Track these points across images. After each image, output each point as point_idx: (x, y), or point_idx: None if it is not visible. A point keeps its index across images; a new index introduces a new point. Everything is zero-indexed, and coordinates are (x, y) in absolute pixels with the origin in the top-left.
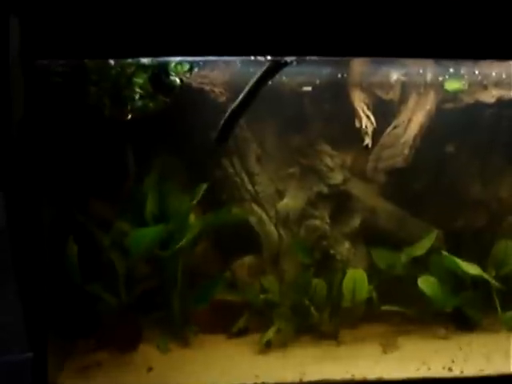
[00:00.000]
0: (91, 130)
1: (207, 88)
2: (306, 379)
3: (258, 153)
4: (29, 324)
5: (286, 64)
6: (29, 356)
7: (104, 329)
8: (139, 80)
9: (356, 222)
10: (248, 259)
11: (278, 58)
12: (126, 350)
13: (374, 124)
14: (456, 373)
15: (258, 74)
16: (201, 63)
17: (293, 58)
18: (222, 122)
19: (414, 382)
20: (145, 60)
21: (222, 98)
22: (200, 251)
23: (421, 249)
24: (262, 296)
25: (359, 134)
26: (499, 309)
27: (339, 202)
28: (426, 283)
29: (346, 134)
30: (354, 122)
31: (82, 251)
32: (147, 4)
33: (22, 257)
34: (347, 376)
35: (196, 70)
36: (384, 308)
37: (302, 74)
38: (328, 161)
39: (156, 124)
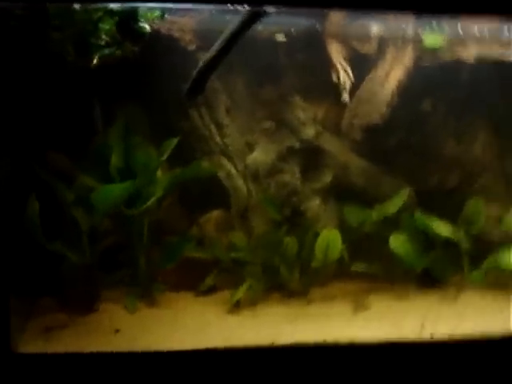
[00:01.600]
0: (52, 78)
1: (176, 35)
2: (278, 341)
3: (227, 104)
4: None
5: (265, 14)
6: None
7: (66, 288)
8: (106, 26)
9: (327, 177)
10: (215, 214)
11: (257, 8)
12: (86, 310)
13: (352, 79)
14: (428, 332)
15: (235, 23)
16: (172, 10)
17: (272, 8)
18: (194, 73)
19: (385, 345)
20: (113, 5)
21: (192, 46)
22: (166, 206)
23: (392, 207)
24: (232, 254)
25: (333, 87)
26: (467, 268)
27: (310, 157)
28: (397, 241)
29: (320, 87)
30: (328, 74)
31: (44, 207)
32: None
33: None
34: (320, 338)
35: (166, 16)
36: (354, 268)
37: (277, 24)
38: (300, 114)
39: (122, 72)
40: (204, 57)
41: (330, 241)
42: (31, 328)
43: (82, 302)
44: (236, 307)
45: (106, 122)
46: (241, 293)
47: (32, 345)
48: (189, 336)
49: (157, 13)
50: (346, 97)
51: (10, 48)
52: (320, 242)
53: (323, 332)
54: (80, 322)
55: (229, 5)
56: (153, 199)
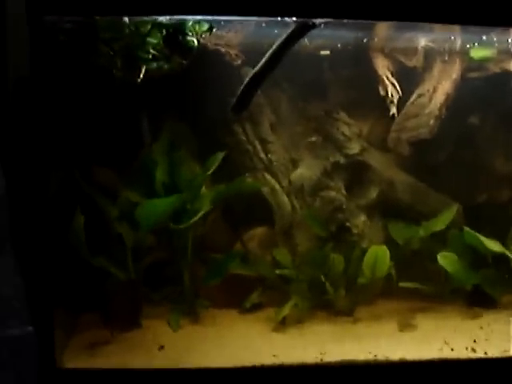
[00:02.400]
0: (99, 92)
1: (223, 50)
2: (326, 359)
3: (272, 119)
4: (31, 298)
5: (313, 26)
6: (29, 330)
7: (110, 303)
8: (154, 40)
9: (373, 193)
10: (259, 230)
11: (305, 20)
12: (129, 326)
13: (400, 92)
14: (480, 354)
15: (282, 37)
16: (222, 23)
17: (321, 20)
18: (241, 88)
19: (437, 363)
20: (162, 18)
21: (238, 61)
22: (210, 221)
23: (441, 223)
24: (277, 271)
25: (379, 101)
26: None
27: (356, 173)
28: (446, 259)
29: (366, 102)
30: (374, 89)
31: (89, 222)
32: None
33: (23, 226)
34: (369, 356)
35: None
36: (401, 285)
37: (322, 37)
38: (345, 129)
39: (168, 86)
40: (251, 71)
41: (378, 257)
42: (75, 343)
43: (125, 317)
44: (281, 325)
45: (152, 137)
46: (286, 310)
47: (76, 360)
48: (233, 353)
49: (205, 26)
50: (394, 111)
51: (59, 62)
52: (368, 259)
53: (371, 351)
54: (123, 337)
55: (278, 17)
56: (200, 214)
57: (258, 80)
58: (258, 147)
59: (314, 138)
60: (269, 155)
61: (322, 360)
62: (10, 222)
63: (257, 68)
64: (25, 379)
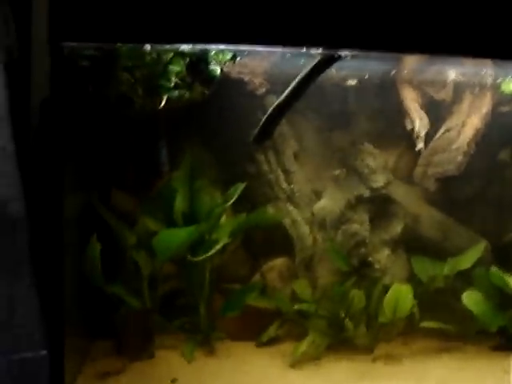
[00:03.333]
0: (120, 118)
1: (246, 78)
2: None
3: (295, 149)
4: (45, 321)
5: (339, 58)
6: (43, 354)
7: (123, 332)
8: (176, 68)
9: (397, 228)
10: (279, 262)
11: (331, 51)
12: (142, 355)
13: (428, 126)
14: None
15: (307, 68)
16: (245, 52)
17: (347, 53)
18: (264, 118)
19: None
20: (184, 47)
21: (262, 90)
22: (229, 251)
23: (467, 261)
24: (296, 306)
25: (406, 134)
26: None
27: (380, 207)
28: (471, 299)
29: (391, 134)
30: (401, 121)
31: (105, 248)
32: None
33: (40, 250)
34: None
35: (238, 58)
36: (424, 324)
37: (349, 68)
38: (370, 161)
39: (190, 115)
40: (275, 101)
41: (400, 296)
42: (88, 370)
43: (137, 347)
44: (299, 361)
45: (173, 164)
46: (304, 346)
47: None
48: None
49: (228, 55)
50: (421, 146)
51: (81, 88)
52: (389, 297)
53: None
54: (136, 367)
55: (303, 48)
56: (217, 247)
57: (281, 111)
58: (281, 177)
59: (338, 171)
60: (291, 185)
61: None
62: (28, 246)
63: (281, 98)
64: None
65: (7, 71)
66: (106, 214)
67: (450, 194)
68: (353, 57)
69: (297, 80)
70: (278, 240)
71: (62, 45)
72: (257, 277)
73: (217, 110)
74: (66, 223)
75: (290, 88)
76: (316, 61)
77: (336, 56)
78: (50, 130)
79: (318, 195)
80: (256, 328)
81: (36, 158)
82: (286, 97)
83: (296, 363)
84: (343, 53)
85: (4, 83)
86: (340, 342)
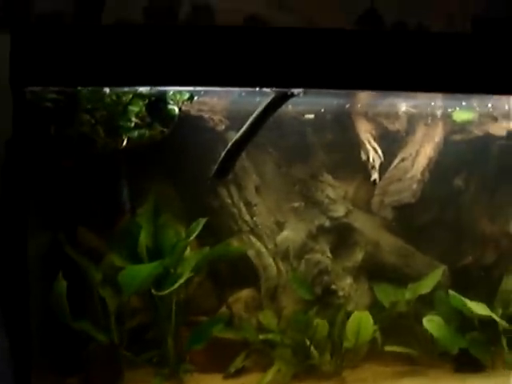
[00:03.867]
0: (83, 159)
1: (206, 116)
2: None
3: (257, 183)
4: (13, 360)
5: (292, 95)
6: None
7: (92, 367)
8: (135, 108)
9: (359, 256)
10: (245, 293)
11: (284, 90)
12: None
13: (382, 158)
14: None
15: (262, 105)
16: (202, 92)
17: (299, 90)
18: (222, 154)
19: None
20: (142, 89)
21: (221, 127)
22: (195, 284)
23: (426, 286)
24: (261, 336)
25: (363, 165)
26: (506, 349)
27: (341, 236)
28: (432, 323)
29: (349, 165)
30: (357, 152)
31: (71, 285)
32: (146, 31)
33: (5, 291)
34: None
35: (196, 98)
36: (387, 349)
37: (305, 103)
38: (330, 192)
39: (153, 153)
40: (232, 138)
41: (361, 323)
42: None
43: (107, 382)
44: None
45: (136, 201)
46: (270, 376)
47: None
48: None
49: (186, 95)
50: (375, 176)
51: (43, 130)
52: (351, 324)
53: None
54: None
55: (256, 88)
56: (181, 281)
57: (239, 147)
58: (243, 210)
59: (297, 204)
60: (254, 218)
61: None
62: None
63: (237, 135)
64: None
65: None
66: (72, 252)
67: (408, 220)
68: (305, 93)
69: (253, 117)
70: (243, 272)
71: (24, 90)
72: (223, 308)
73: (179, 146)
74: (31, 262)
75: (246, 124)
76: (270, 98)
77: (289, 93)
78: (14, 171)
79: (280, 226)
80: (224, 359)
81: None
82: (243, 133)
83: None
84: (295, 90)
85: None
86: (306, 370)
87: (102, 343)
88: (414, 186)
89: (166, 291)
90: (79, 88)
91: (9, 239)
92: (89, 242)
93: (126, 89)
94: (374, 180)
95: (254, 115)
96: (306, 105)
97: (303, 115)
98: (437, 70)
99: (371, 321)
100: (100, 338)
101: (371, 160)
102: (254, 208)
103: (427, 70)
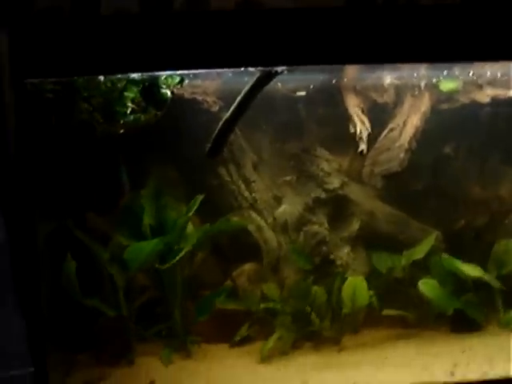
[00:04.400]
0: (85, 145)
1: (200, 98)
2: None
3: (254, 160)
4: (29, 339)
5: (276, 74)
6: (30, 371)
7: (103, 342)
8: (130, 94)
9: (355, 226)
10: (248, 267)
11: (269, 68)
12: (122, 363)
13: (369, 129)
14: (458, 377)
15: (249, 84)
16: (191, 75)
17: (283, 68)
18: (214, 134)
19: None
20: (134, 75)
21: (215, 107)
22: (199, 260)
23: (420, 251)
24: (262, 304)
25: (354, 137)
26: (501, 310)
27: (337, 207)
28: (427, 286)
29: (342, 138)
30: (349, 126)
31: (81, 264)
32: (135, 20)
33: (20, 271)
34: (350, 383)
35: (186, 80)
36: (385, 313)
37: (296, 80)
38: (325, 165)
39: (151, 136)
40: (222, 118)
41: (356, 288)
42: (72, 381)
43: (117, 354)
44: (268, 357)
45: (138, 183)
46: (271, 343)
47: None
48: None
49: (177, 79)
50: (363, 147)
51: (45, 119)
52: (346, 289)
53: (352, 378)
54: (116, 374)
55: (242, 68)
56: (181, 254)
57: (229, 126)
58: (243, 187)
59: (289, 178)
60: (253, 194)
61: None
62: (11, 269)
63: (227, 115)
64: None
65: None
66: (81, 234)
67: (399, 189)
68: (291, 71)
69: (241, 96)
70: (245, 246)
71: (25, 81)
72: (228, 282)
73: (176, 129)
74: (42, 245)
75: (235, 104)
76: (256, 77)
77: (273, 72)
78: (23, 160)
79: (278, 201)
80: (229, 330)
81: (13, 187)
82: (233, 112)
83: (265, 359)
84: (279, 68)
85: None
86: (307, 337)
87: (112, 318)
88: (402, 155)
89: (168, 264)
90: (76, 78)
91: (20, 225)
92: (97, 225)
93: (119, 76)
94: (362, 151)
95: (242, 94)
96: (296, 81)
97: (295, 92)
98: (424, 40)
99: (365, 285)
100: (109, 313)
101: (358, 132)
102: (253, 184)
103: (414, 41)
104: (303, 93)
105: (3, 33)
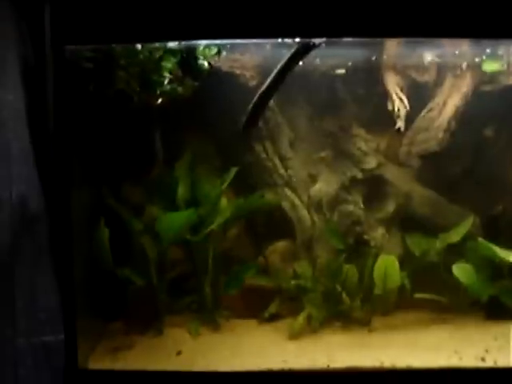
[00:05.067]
0: (122, 114)
1: (238, 72)
2: (333, 365)
3: (290, 137)
4: (61, 306)
5: (314, 46)
6: (61, 338)
7: (132, 312)
8: (168, 64)
9: (390, 207)
10: (281, 244)
11: (307, 40)
12: (152, 333)
13: (407, 107)
14: (489, 363)
15: (286, 57)
16: (228, 46)
17: (322, 40)
18: (249, 107)
19: (444, 372)
20: (172, 44)
21: (253, 82)
22: (233, 237)
23: (456, 235)
24: (292, 282)
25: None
26: None
27: (373, 187)
28: (461, 271)
29: (381, 118)
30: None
31: (115, 236)
32: None
33: (56, 241)
34: (376, 364)
35: (225, 53)
36: (417, 296)
37: (335, 57)
38: (362, 145)
39: (188, 108)
40: (258, 90)
41: (387, 267)
42: (99, 349)
43: (146, 323)
44: (297, 334)
45: (173, 155)
46: (301, 320)
47: (100, 362)
48: (246, 359)
49: (214, 50)
50: (400, 125)
51: (83, 88)
52: (377, 268)
53: (379, 358)
54: (144, 343)
55: (280, 39)
56: (212, 226)
57: (264, 99)
58: (278, 164)
59: (323, 154)
60: (288, 171)
61: (328, 366)
62: (48, 237)
63: (263, 88)
64: (57, 378)
65: (24, 77)
66: (115, 205)
67: (436, 170)
68: (328, 44)
69: (277, 68)
70: (279, 224)
71: (64, 48)
72: (260, 260)
73: (213, 101)
74: (75, 215)
75: (271, 76)
76: (293, 50)
77: (311, 44)
78: (61, 130)
79: (313, 179)
80: (260, 307)
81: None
82: (269, 85)
83: (294, 336)
84: (317, 41)
85: (22, 88)
86: (338, 316)
87: (143, 289)
88: (440, 135)
89: (200, 236)
90: (113, 45)
91: (55, 194)
92: (132, 196)
93: (156, 45)
94: (399, 128)
95: (278, 67)
96: (335, 58)
97: (333, 69)
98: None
99: (397, 264)
100: (138, 281)
101: (396, 109)
102: (288, 161)
103: (455, 16)
104: (342, 71)
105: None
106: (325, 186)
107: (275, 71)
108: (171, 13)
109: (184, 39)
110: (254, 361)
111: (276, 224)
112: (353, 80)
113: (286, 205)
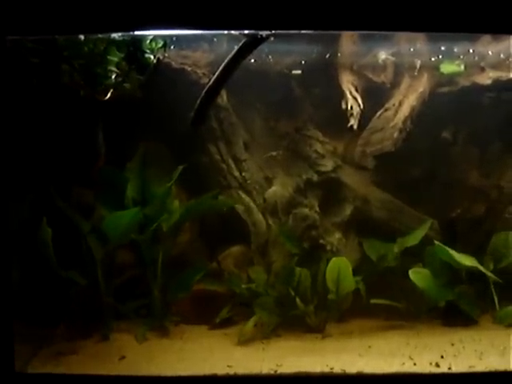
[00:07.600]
0: (65, 108)
1: (189, 69)
2: (280, 371)
3: (245, 138)
4: None
5: (262, 39)
6: None
7: (77, 317)
8: (114, 58)
9: (347, 211)
10: (235, 249)
11: (254, 33)
12: (91, 336)
13: (361, 105)
14: (443, 369)
15: (233, 51)
16: (174, 38)
17: (269, 33)
18: (197, 102)
19: (396, 378)
20: (115, 35)
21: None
22: (186, 241)
23: (414, 239)
24: (243, 286)
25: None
26: (497, 304)
27: (330, 190)
28: (418, 275)
29: (338, 120)
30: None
31: (63, 238)
32: None
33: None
34: (326, 369)
35: (173, 48)
36: (373, 301)
37: (288, 54)
38: (318, 147)
39: (138, 106)
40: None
41: (340, 269)
42: (42, 354)
43: (93, 330)
44: (246, 340)
45: (121, 154)
46: (250, 326)
47: (41, 367)
48: (193, 365)
49: (160, 43)
50: (353, 123)
51: (25, 80)
52: (330, 272)
53: (330, 364)
54: (88, 348)
55: (226, 31)
56: (157, 223)
57: (211, 94)
58: (232, 166)
59: (274, 153)
60: (243, 173)
61: (276, 372)
62: None
63: (210, 83)
64: None
65: None
66: (63, 207)
67: (393, 173)
68: (276, 38)
69: (224, 63)
70: (234, 228)
71: (5, 38)
72: (214, 265)
73: (161, 99)
74: (15, 217)
75: (218, 71)
76: (240, 44)
77: (259, 37)
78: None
79: (269, 182)
80: (211, 312)
81: None
82: (214, 81)
83: (243, 342)
84: (265, 33)
85: None
86: (291, 322)
87: (88, 292)
88: (395, 135)
89: (147, 235)
90: (56, 36)
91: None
92: (78, 196)
93: (100, 36)
94: (351, 126)
95: (225, 61)
96: (290, 57)
97: (288, 69)
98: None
99: (349, 266)
100: (80, 281)
101: (349, 108)
102: (243, 163)
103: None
104: (299, 71)
105: None
106: (280, 189)
107: (222, 65)
108: (115, 3)
109: (126, 30)
110: (200, 366)
111: (231, 228)
112: (308, 80)
113: (240, 208)
